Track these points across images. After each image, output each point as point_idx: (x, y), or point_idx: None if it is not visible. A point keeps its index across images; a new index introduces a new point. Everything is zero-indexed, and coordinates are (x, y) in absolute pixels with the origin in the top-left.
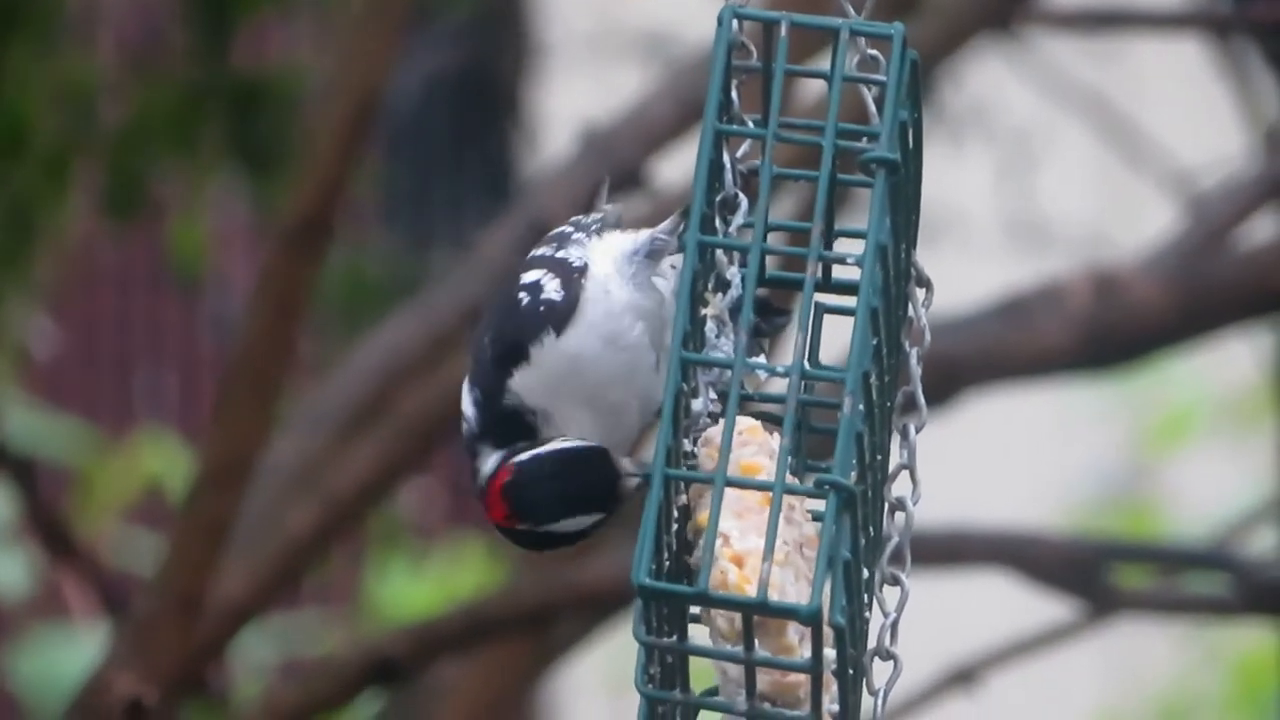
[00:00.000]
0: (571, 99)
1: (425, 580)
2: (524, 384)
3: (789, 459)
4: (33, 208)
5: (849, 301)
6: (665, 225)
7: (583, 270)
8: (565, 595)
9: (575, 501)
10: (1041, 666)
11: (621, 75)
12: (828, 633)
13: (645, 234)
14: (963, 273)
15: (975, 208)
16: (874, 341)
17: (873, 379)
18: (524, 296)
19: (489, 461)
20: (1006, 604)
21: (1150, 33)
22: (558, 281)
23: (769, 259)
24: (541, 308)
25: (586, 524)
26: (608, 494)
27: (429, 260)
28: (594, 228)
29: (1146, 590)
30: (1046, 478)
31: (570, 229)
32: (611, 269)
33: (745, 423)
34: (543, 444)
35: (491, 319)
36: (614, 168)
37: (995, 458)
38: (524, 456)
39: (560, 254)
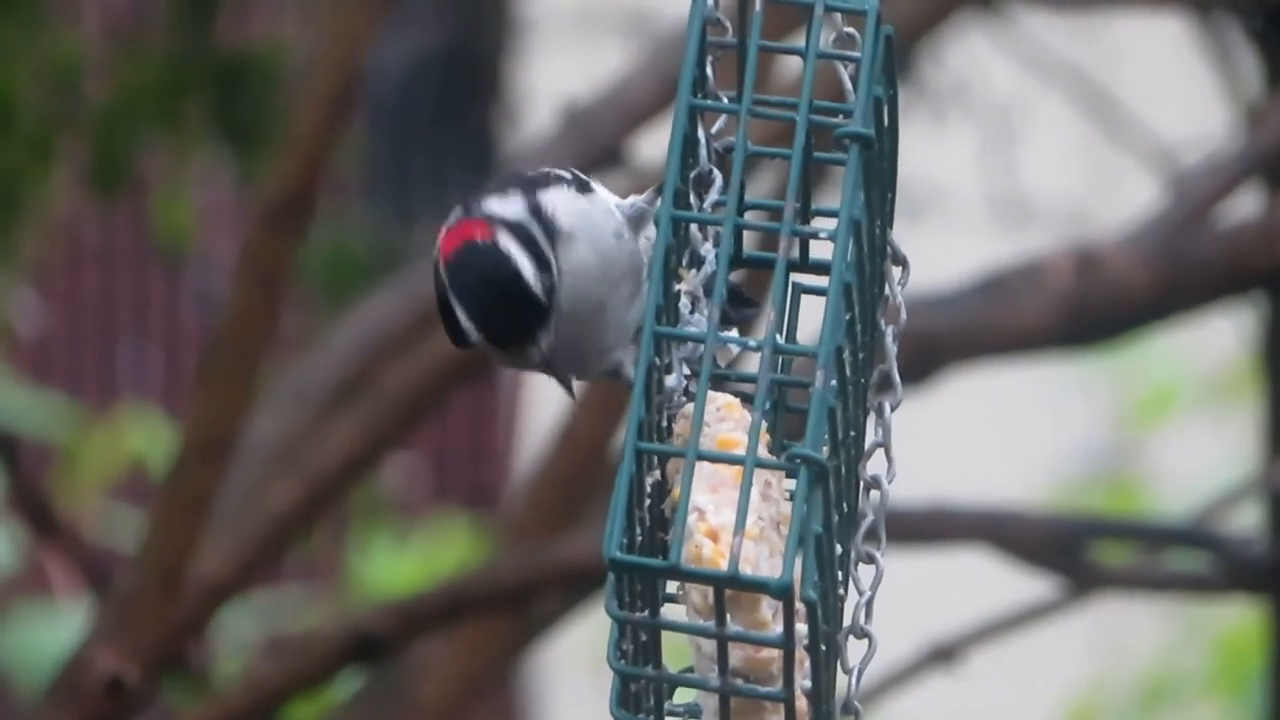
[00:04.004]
0: (553, 76)
1: (408, 557)
2: (551, 201)
3: (767, 438)
4: (17, 185)
5: (825, 282)
6: (645, 196)
7: (592, 185)
8: (546, 572)
9: (478, 292)
10: (1023, 644)
11: (603, 52)
12: (800, 608)
13: (629, 199)
14: (944, 249)
15: (957, 184)
16: (847, 317)
17: (846, 355)
18: (532, 173)
19: (486, 205)
20: (988, 581)
21: (1131, 9)
22: (570, 174)
23: (743, 236)
24: (553, 174)
25: (477, 314)
26: (513, 325)
27: (411, 236)
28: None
29: (1128, 568)
30: (1029, 455)
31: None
32: (611, 199)
33: (723, 399)
34: (520, 236)
35: (502, 180)
36: (595, 144)
37: (978, 435)
38: (504, 239)
39: (570, 169)
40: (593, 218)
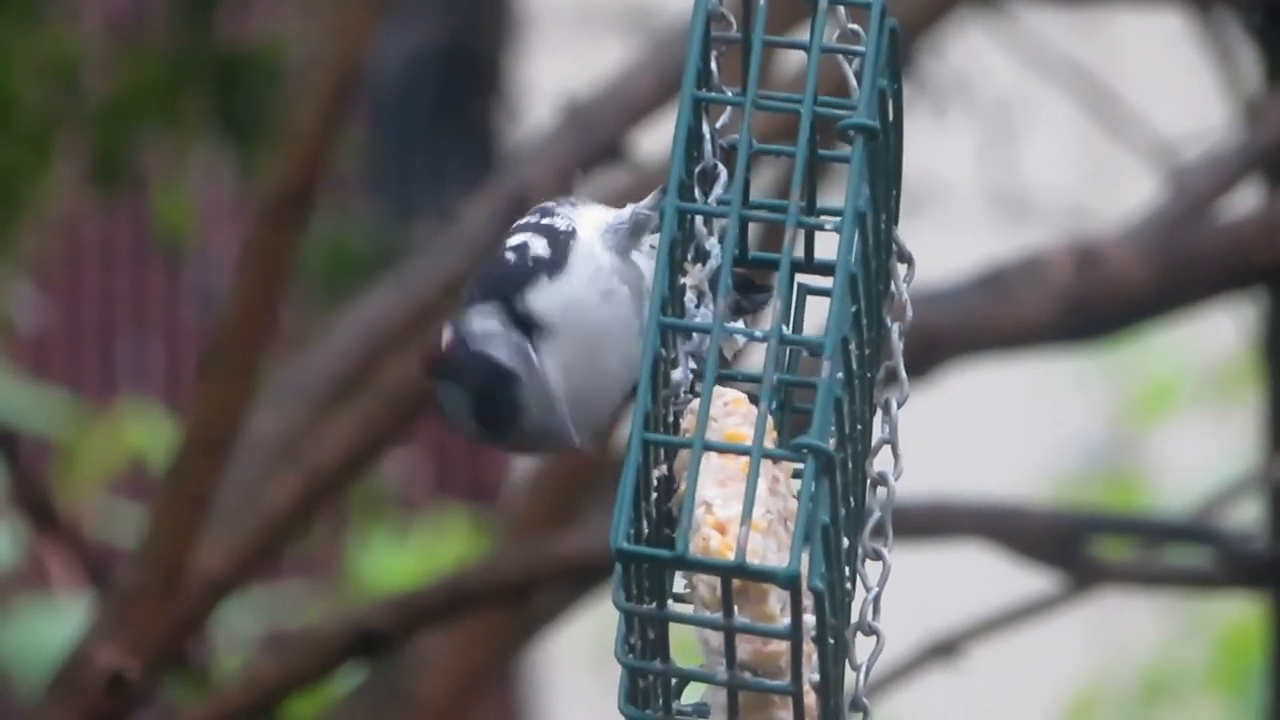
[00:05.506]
0: (554, 71)
1: (408, 552)
2: (530, 300)
3: (775, 435)
4: (17, 180)
5: (830, 283)
6: (647, 201)
7: (570, 234)
8: (547, 566)
9: (458, 378)
10: (1023, 639)
11: (604, 48)
12: (807, 600)
13: (628, 209)
14: (944, 244)
15: (957, 179)
16: (853, 309)
17: (852, 347)
18: (511, 256)
19: (466, 324)
20: (988, 576)
21: (1131, 4)
22: (544, 241)
23: (749, 234)
24: (530, 263)
25: (458, 401)
26: (494, 419)
27: (411, 231)
28: (575, 203)
29: (1128, 562)
30: (1029, 450)
31: (552, 204)
32: (596, 237)
33: (730, 394)
34: (497, 345)
35: (477, 280)
36: (595, 140)
37: (978, 430)
38: (472, 344)
39: (545, 221)
40: (575, 298)
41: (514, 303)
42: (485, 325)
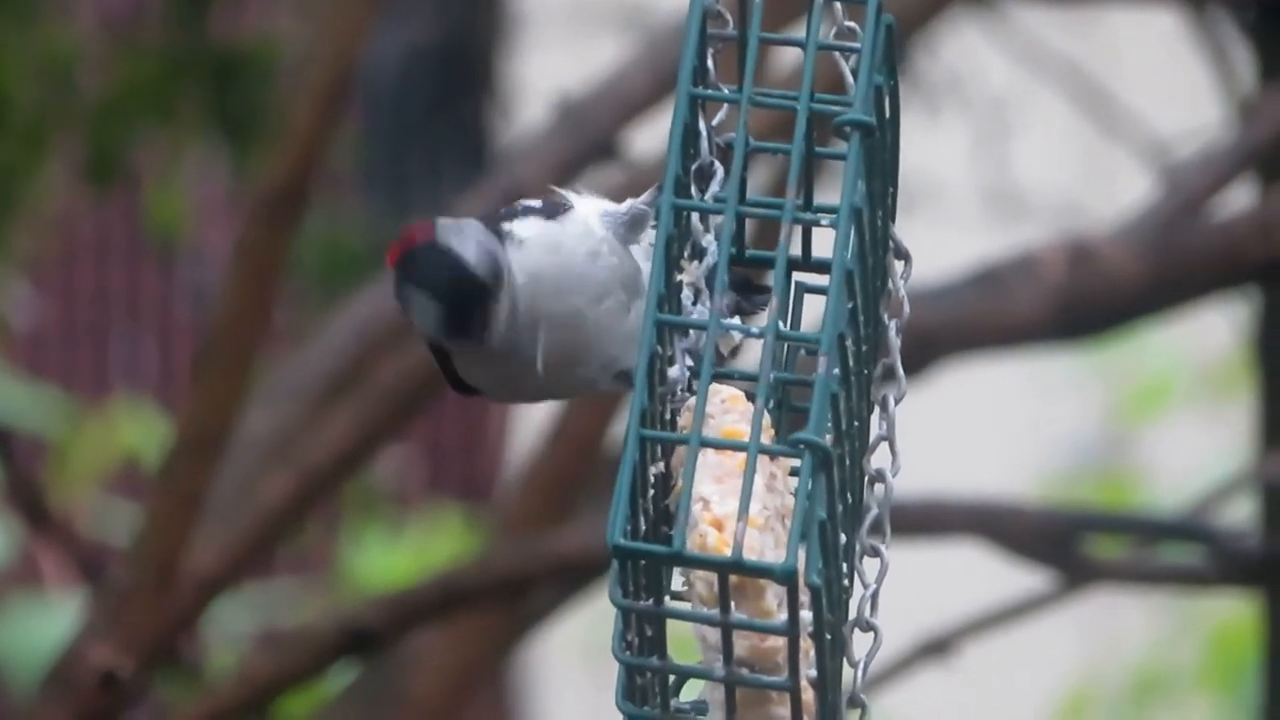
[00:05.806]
0: (548, 70)
1: (402, 550)
2: (512, 220)
3: (772, 432)
4: (12, 179)
5: (827, 280)
6: (644, 196)
7: (567, 206)
8: (541, 564)
9: (424, 282)
10: (1016, 637)
11: (598, 46)
12: (804, 596)
13: (626, 203)
14: (938, 242)
15: (951, 177)
16: (850, 305)
17: (849, 343)
18: (506, 210)
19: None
20: (981, 574)
21: (1125, 2)
22: (539, 201)
23: (745, 229)
24: (521, 207)
25: (424, 306)
26: (460, 308)
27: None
28: (578, 191)
29: (1121, 560)
30: (1022, 448)
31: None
32: (594, 215)
33: (728, 391)
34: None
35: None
36: (589, 138)
37: (971, 428)
38: (445, 235)
39: (545, 198)
40: (559, 237)
41: (498, 224)
42: (461, 224)
